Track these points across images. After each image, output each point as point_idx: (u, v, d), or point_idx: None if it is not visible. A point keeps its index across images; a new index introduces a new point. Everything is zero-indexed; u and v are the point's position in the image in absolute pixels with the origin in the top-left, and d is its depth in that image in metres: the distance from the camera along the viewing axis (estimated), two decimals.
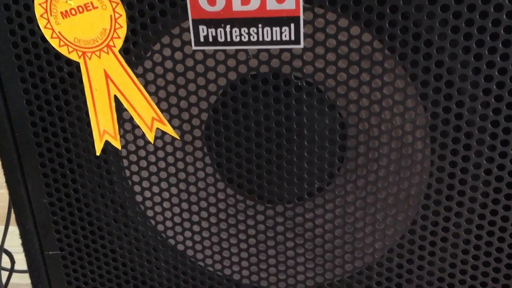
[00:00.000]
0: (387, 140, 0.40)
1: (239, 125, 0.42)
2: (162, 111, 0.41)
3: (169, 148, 0.42)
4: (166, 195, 0.46)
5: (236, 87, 0.39)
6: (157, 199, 0.46)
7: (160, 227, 0.45)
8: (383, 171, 0.40)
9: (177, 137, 0.43)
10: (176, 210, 0.46)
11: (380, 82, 0.38)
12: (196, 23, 0.38)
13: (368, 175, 0.40)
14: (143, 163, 0.45)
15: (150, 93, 0.40)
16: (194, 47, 0.39)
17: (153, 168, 0.45)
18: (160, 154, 0.42)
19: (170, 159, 0.44)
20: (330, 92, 0.38)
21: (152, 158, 0.44)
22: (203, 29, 0.38)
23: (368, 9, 0.36)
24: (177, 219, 0.46)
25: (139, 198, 0.46)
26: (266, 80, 0.38)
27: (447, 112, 0.38)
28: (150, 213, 0.45)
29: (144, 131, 0.43)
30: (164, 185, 0.45)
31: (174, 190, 0.45)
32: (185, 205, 0.45)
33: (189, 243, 0.45)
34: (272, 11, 0.37)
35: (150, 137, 0.43)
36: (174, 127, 0.41)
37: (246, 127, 0.40)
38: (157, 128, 0.43)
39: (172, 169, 0.44)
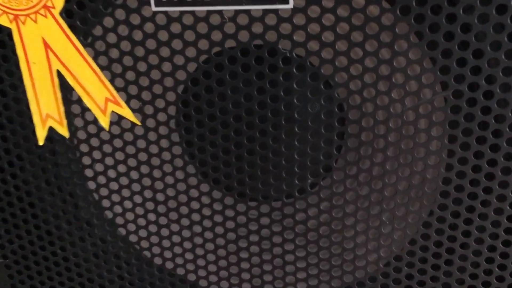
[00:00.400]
0: (396, 126, 0.32)
1: (214, 108, 0.33)
2: (117, 90, 0.33)
3: (128, 136, 0.33)
4: (126, 193, 0.37)
5: (209, 60, 0.32)
6: (115, 197, 0.38)
7: (132, 237, 0.37)
8: (390, 163, 0.32)
9: (138, 122, 0.34)
10: (140, 211, 0.38)
11: (389, 53, 0.30)
12: None
13: (372, 168, 0.32)
14: (97, 155, 0.36)
15: (101, 68, 0.33)
16: (154, 8, 0.31)
17: (109, 161, 0.36)
18: (118, 143, 0.34)
19: (130, 149, 0.36)
20: (326, 66, 0.30)
21: (108, 149, 0.36)
22: None
23: None
24: (141, 222, 0.38)
25: (94, 196, 0.38)
26: (246, 50, 0.32)
27: (473, 90, 0.30)
28: (109, 214, 0.38)
29: (96, 115, 0.34)
30: (123, 180, 0.37)
31: (136, 187, 0.37)
32: (150, 205, 0.37)
33: (159, 251, 0.38)
34: None
35: (104, 122, 0.35)
36: (133, 110, 0.32)
37: (223, 110, 0.32)
38: (112, 112, 0.34)
39: (132, 162, 0.36)
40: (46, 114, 0.35)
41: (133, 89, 0.34)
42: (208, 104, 0.34)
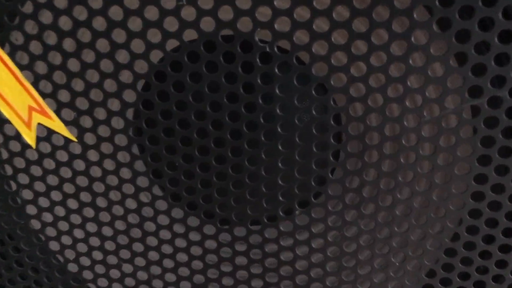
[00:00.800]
0: (408, 143, 0.25)
1: (172, 119, 0.26)
2: (44, 96, 0.25)
3: (61, 155, 0.25)
4: (64, 225, 0.29)
5: (164, 59, 0.25)
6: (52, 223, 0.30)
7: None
8: (400, 189, 0.24)
9: (73, 138, 0.26)
10: (78, 233, 0.30)
11: (403, 47, 0.22)
12: None
13: (378, 197, 0.25)
14: (24, 179, 0.28)
15: (21, 67, 0.25)
16: None
17: (40, 186, 0.28)
18: (49, 164, 0.26)
19: (65, 171, 0.27)
20: (319, 64, 0.23)
21: (37, 171, 0.28)
22: None
23: None
24: (81, 248, 0.30)
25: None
26: (211, 44, 0.24)
27: None
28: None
29: (18, 129, 0.26)
30: (59, 211, 0.29)
31: (75, 218, 0.29)
32: (92, 227, 0.29)
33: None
34: None
35: (30, 138, 0.26)
36: (66, 123, 0.24)
37: (183, 123, 0.24)
38: (39, 124, 0.26)
39: (70, 188, 0.28)
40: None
41: (64, 96, 0.26)
42: (164, 114, 0.26)
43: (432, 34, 0.22)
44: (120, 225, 0.30)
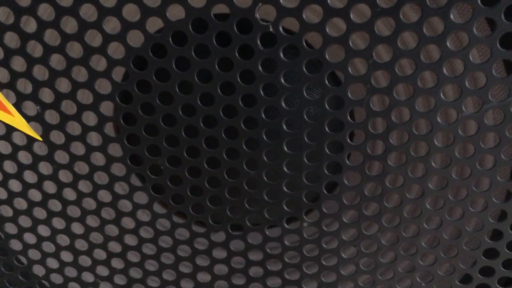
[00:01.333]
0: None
1: (155, 114, 0.21)
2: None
3: (24, 157, 0.22)
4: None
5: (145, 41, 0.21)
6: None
7: None
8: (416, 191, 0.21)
9: (38, 137, 0.22)
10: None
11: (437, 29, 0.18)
12: None
13: (388, 200, 0.21)
14: None
15: None
16: None
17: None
18: (9, 167, 0.22)
19: (30, 176, 0.23)
20: (332, 49, 0.19)
21: None
22: None
23: None
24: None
25: None
26: (203, 23, 0.20)
27: None
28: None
29: None
30: (26, 222, 0.25)
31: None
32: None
33: None
34: None
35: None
36: (28, 119, 0.19)
37: (169, 118, 0.20)
38: None
39: (36, 195, 0.24)
40: None
41: (26, 87, 0.22)
42: (145, 108, 0.21)
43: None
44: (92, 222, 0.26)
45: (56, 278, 0.28)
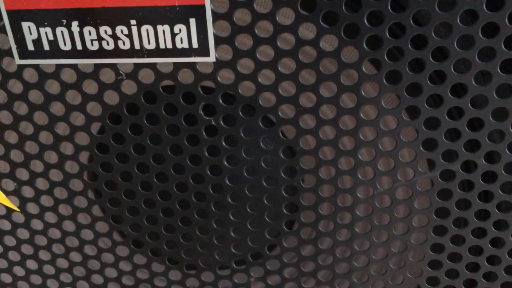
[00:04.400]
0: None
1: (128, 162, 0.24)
2: None
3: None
4: None
5: (104, 129, 0.24)
6: None
7: None
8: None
9: (15, 208, 0.26)
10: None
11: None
12: (16, 17, 0.21)
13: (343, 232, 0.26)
14: None
15: None
16: (19, 61, 0.21)
17: None
18: None
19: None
20: (264, 95, 0.22)
21: None
22: (29, 28, 0.21)
23: None
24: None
25: None
26: (154, 117, 0.23)
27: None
28: None
29: None
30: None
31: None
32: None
33: None
34: None
35: None
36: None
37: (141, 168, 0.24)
38: None
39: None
40: None
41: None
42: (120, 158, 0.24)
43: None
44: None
45: None
